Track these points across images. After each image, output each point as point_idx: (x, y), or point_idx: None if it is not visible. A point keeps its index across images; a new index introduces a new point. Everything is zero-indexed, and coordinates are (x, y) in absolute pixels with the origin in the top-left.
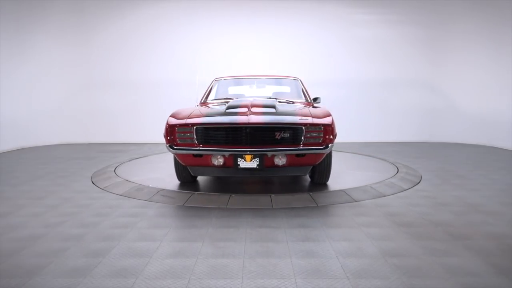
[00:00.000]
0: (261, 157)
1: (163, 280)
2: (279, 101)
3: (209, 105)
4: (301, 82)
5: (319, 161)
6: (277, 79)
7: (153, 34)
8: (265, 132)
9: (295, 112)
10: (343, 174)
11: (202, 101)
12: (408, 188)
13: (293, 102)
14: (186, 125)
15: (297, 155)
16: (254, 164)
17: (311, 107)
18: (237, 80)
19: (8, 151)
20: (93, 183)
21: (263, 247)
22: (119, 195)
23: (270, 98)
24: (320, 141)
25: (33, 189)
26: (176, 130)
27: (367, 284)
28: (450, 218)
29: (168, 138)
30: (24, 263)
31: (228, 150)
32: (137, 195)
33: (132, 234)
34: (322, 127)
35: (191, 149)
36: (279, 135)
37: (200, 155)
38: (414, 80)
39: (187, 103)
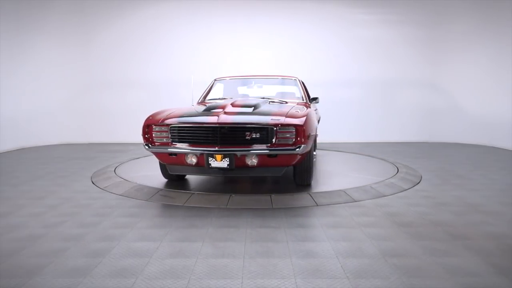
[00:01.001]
0: (231, 157)
1: (163, 280)
2: (272, 101)
3: (206, 105)
4: (299, 81)
5: (294, 162)
6: (276, 79)
7: (153, 34)
8: (235, 132)
9: (270, 112)
10: (343, 174)
11: (199, 101)
12: (408, 188)
13: (286, 102)
14: (162, 124)
15: (269, 156)
16: (225, 163)
17: (304, 107)
18: (237, 80)
19: (8, 151)
20: (93, 183)
21: (263, 247)
22: (119, 195)
23: (263, 98)
24: (292, 141)
25: (33, 189)
26: (152, 129)
27: (367, 284)
28: (450, 218)
29: (146, 136)
30: (24, 263)
31: (199, 150)
32: (137, 195)
33: (132, 234)
34: (294, 128)
35: (164, 148)
36: (250, 135)
37: (175, 154)
38: (414, 80)
39: (187, 102)
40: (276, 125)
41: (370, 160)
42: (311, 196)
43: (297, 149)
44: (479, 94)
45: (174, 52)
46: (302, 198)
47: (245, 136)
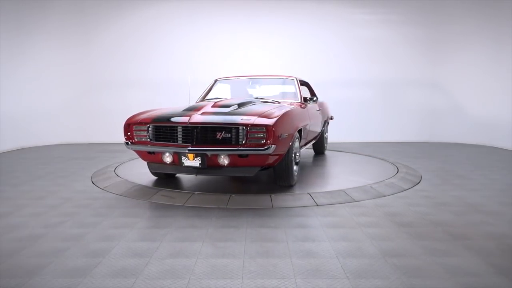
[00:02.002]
0: (202, 156)
1: (163, 280)
2: (265, 101)
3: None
4: (296, 81)
5: (267, 163)
6: (274, 79)
7: (153, 34)
8: (206, 132)
9: (245, 112)
10: (343, 174)
11: (198, 101)
12: (408, 188)
13: (279, 102)
14: (140, 123)
15: (240, 156)
16: (197, 163)
17: (292, 107)
18: (237, 80)
19: (8, 151)
20: (93, 183)
21: (263, 247)
22: (119, 195)
23: (256, 98)
24: (263, 142)
25: (33, 189)
26: (133, 128)
27: (367, 284)
28: (450, 218)
29: (128, 134)
30: (24, 263)
31: (171, 149)
32: (137, 195)
33: (132, 234)
34: (264, 128)
35: (141, 146)
36: (220, 135)
37: (153, 152)
38: (414, 80)
39: (185, 102)
40: (246, 125)
41: (370, 160)
42: (311, 196)
43: (266, 150)
44: (479, 94)
45: (174, 52)
46: (302, 198)
47: (216, 136)
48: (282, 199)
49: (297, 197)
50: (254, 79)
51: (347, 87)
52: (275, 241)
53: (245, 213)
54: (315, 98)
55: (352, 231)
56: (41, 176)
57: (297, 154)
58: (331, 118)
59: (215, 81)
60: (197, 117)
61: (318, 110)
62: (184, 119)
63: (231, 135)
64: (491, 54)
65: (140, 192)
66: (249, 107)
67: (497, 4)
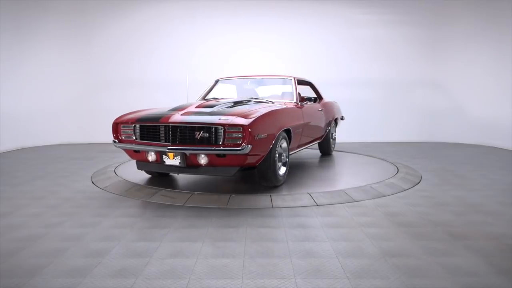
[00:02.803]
0: (182, 155)
1: (163, 280)
2: (259, 101)
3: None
4: (294, 81)
5: (248, 162)
6: (273, 79)
7: (153, 34)
8: (185, 132)
9: (225, 112)
10: (343, 174)
11: (197, 100)
12: (408, 188)
13: (272, 102)
14: (126, 122)
15: (218, 155)
16: (177, 161)
17: (291, 106)
18: (237, 80)
19: (8, 151)
20: (93, 183)
21: (263, 247)
22: (119, 195)
23: (251, 98)
24: (239, 142)
25: (33, 189)
26: (120, 127)
27: (367, 284)
28: (450, 218)
29: (115, 133)
30: (24, 263)
31: (152, 148)
32: (137, 195)
33: (132, 234)
34: (241, 128)
35: (127, 145)
36: (198, 135)
37: (139, 151)
38: (414, 80)
39: (185, 102)
40: (223, 125)
41: (370, 160)
42: (311, 196)
43: (242, 150)
44: (479, 94)
45: (174, 52)
46: (302, 198)
47: (195, 135)
48: (282, 199)
49: (297, 197)
50: (254, 79)
51: (347, 87)
52: (275, 241)
53: (245, 213)
54: (313, 98)
55: (352, 231)
56: (41, 176)
57: (284, 154)
58: (342, 119)
59: (216, 81)
60: (177, 117)
61: (320, 110)
62: (166, 119)
63: (210, 135)
64: (491, 54)
65: (140, 192)
66: (237, 107)
67: (497, 4)
